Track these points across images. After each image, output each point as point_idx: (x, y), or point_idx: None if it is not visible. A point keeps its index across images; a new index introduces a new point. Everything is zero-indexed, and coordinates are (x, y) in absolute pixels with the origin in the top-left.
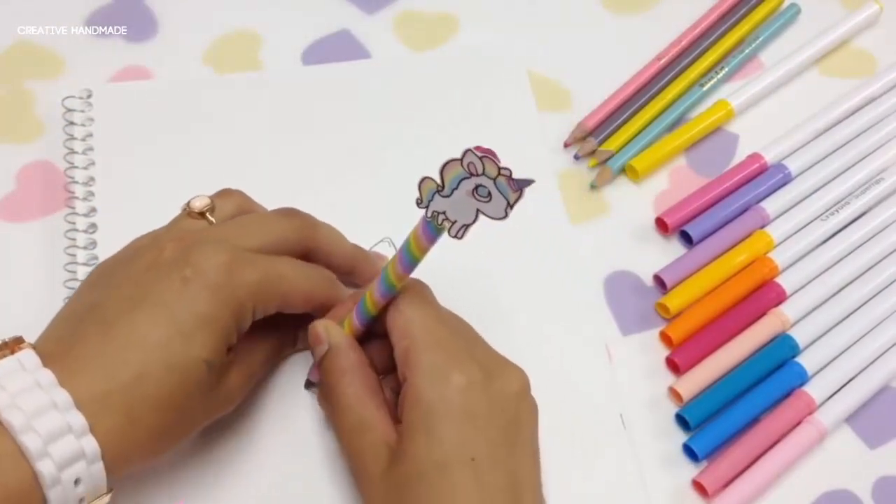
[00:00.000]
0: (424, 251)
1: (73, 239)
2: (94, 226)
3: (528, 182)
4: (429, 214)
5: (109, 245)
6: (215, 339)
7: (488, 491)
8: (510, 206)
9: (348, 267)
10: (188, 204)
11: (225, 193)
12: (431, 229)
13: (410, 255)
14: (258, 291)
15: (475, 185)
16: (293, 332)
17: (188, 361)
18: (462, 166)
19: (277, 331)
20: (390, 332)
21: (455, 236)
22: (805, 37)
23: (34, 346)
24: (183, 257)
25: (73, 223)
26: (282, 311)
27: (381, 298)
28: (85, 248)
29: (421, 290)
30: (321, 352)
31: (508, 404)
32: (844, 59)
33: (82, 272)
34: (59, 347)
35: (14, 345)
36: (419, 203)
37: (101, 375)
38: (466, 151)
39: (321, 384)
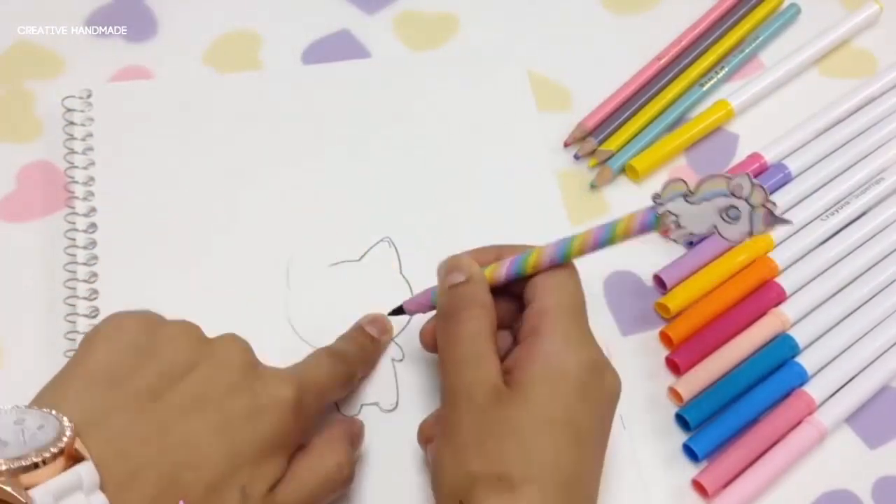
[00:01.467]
0: (627, 237)
1: (73, 239)
2: (94, 226)
3: (787, 221)
4: (660, 211)
5: (109, 245)
6: (262, 478)
7: (583, 460)
8: (751, 235)
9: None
10: None
11: None
12: (651, 222)
13: (610, 236)
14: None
15: (728, 206)
16: None
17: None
18: (727, 185)
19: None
20: (534, 286)
21: (673, 239)
22: (805, 37)
23: (82, 434)
24: (254, 390)
25: (73, 223)
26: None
27: (548, 263)
28: (85, 248)
29: (576, 270)
30: (455, 279)
31: (609, 398)
32: (844, 59)
33: (82, 272)
34: (114, 455)
35: (70, 446)
36: (655, 198)
37: (148, 500)
38: (741, 173)
39: (444, 310)
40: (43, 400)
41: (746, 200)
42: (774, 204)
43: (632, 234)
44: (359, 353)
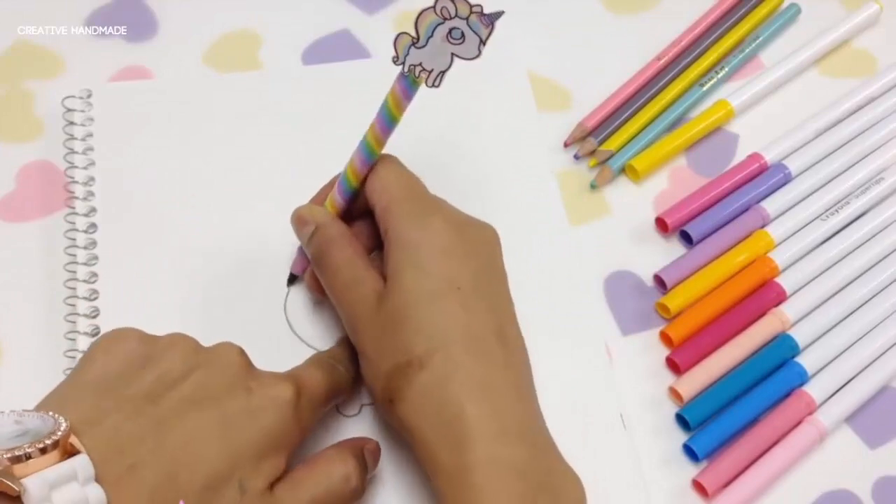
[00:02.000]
0: (402, 108)
1: (73, 239)
2: (94, 226)
3: (499, 14)
4: (406, 69)
5: (109, 245)
6: (260, 474)
7: (475, 314)
8: (483, 42)
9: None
10: None
11: None
12: (408, 84)
13: (389, 115)
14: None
15: (449, 29)
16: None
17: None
18: (435, 13)
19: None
20: (370, 195)
21: (432, 85)
22: (805, 37)
23: (80, 433)
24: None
25: (73, 223)
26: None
27: (361, 166)
28: (85, 248)
29: (395, 158)
30: (308, 232)
31: (483, 247)
32: (844, 59)
33: (82, 272)
34: (111, 451)
35: (66, 440)
36: (395, 60)
37: (146, 494)
38: None
39: (313, 259)
40: (42, 407)
41: (457, 17)
42: (480, 5)
43: (402, 104)
44: (355, 357)
